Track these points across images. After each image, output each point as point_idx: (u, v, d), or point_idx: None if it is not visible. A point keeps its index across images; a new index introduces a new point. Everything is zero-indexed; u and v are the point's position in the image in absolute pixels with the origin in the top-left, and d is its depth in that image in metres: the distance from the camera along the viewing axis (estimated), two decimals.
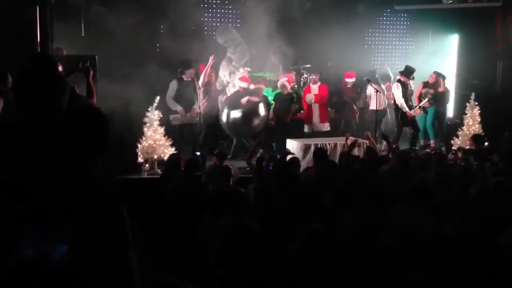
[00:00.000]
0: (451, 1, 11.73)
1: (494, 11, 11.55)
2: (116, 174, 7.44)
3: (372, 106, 10.48)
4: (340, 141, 8.73)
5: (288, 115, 9.76)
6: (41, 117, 3.33)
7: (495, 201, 4.32)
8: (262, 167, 5.96)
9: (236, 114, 9.14)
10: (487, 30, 11.70)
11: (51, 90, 3.60)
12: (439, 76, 10.42)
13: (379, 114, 10.24)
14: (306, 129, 10.11)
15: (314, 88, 10.07)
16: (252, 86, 9.76)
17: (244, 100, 9.21)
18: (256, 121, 9.26)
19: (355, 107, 10.65)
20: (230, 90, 10.06)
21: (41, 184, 2.31)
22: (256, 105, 9.28)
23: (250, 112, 9.16)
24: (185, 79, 8.98)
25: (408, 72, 9.95)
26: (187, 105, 8.94)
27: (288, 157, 6.58)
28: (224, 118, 9.24)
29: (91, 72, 5.47)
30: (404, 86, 9.89)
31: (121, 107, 8.20)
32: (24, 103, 3.66)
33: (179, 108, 8.87)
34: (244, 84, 9.43)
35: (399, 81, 9.98)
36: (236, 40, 10.68)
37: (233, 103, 9.26)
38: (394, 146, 7.74)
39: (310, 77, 10.54)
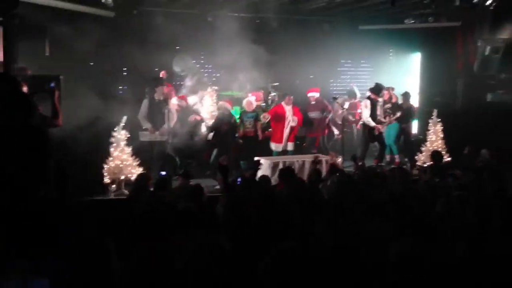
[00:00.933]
0: (413, 21, 12.12)
1: (454, 31, 11.98)
2: (81, 196, 7.31)
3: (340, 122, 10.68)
4: (308, 159, 8.82)
5: (255, 132, 9.83)
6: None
7: (458, 215, 4.42)
8: (229, 185, 5.97)
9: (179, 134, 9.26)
10: (448, 49, 12.12)
11: (17, 110, 3.53)
12: (389, 90, 10.68)
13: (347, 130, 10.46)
14: (274, 147, 10.15)
15: (289, 108, 10.11)
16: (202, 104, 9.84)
17: (191, 118, 9.37)
18: (196, 139, 9.48)
19: (323, 122, 10.77)
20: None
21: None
22: (197, 124, 9.54)
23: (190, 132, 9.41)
24: (156, 98, 9.00)
25: (377, 89, 10.19)
26: (157, 123, 8.92)
27: (259, 174, 6.61)
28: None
29: (56, 93, 5.39)
30: (373, 104, 10.11)
31: (87, 127, 8.11)
32: None
33: (148, 125, 8.86)
34: (182, 103, 9.54)
35: (368, 98, 10.19)
36: (192, 69, 10.73)
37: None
38: (360, 163, 7.88)
39: (274, 96, 10.67)
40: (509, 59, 10.85)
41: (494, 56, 10.65)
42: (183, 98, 9.81)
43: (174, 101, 9.38)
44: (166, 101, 8.99)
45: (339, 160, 9.10)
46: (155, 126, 8.92)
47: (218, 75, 11.09)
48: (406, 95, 10.85)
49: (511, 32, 10.33)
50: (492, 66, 11.06)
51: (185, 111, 9.67)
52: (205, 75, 10.90)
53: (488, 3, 8.35)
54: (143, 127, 8.93)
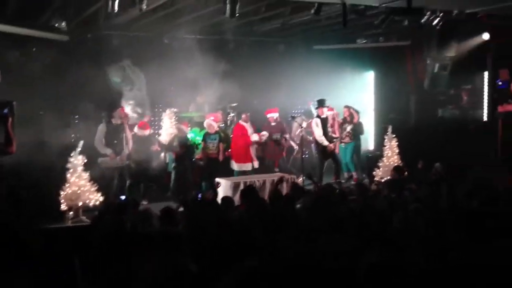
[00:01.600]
0: (365, 41, 12.51)
1: (404, 49, 12.44)
2: (37, 224, 7.07)
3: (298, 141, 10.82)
4: (268, 178, 8.89)
5: (219, 153, 9.84)
6: None
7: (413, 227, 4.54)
8: (189, 208, 5.99)
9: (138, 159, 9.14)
10: (399, 67, 12.57)
11: None
12: (350, 109, 10.95)
13: (305, 149, 10.61)
14: (235, 167, 10.18)
15: (247, 126, 10.19)
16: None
17: (154, 148, 9.40)
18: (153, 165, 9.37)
19: (282, 144, 10.88)
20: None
21: None
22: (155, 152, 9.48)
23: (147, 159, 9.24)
24: (113, 122, 8.88)
25: (319, 103, 10.42)
26: (116, 148, 8.78)
27: (220, 195, 6.61)
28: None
29: (10, 119, 5.27)
30: (323, 121, 10.32)
31: (41, 153, 7.93)
32: None
33: (108, 151, 8.70)
34: (144, 132, 9.42)
35: (317, 116, 10.40)
36: (131, 82, 10.62)
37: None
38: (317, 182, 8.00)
39: (233, 116, 10.75)
40: (457, 76, 11.36)
41: (442, 73, 11.12)
42: (144, 126, 9.66)
43: (135, 130, 9.26)
44: (122, 125, 8.88)
45: (300, 179, 9.23)
46: (114, 151, 8.78)
47: (177, 96, 11.03)
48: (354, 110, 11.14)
49: (457, 50, 10.83)
50: (441, 82, 11.55)
51: (146, 139, 9.54)
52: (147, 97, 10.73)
53: (434, 23, 8.73)
54: (102, 153, 8.76)
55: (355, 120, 10.87)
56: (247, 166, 10.08)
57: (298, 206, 6.18)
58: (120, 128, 8.88)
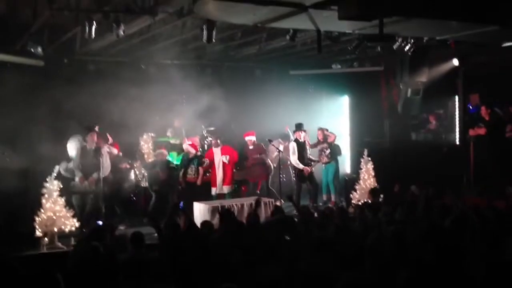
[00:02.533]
0: (340, 66, 12.77)
1: (377, 75, 12.73)
2: (11, 251, 6.92)
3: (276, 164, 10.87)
4: (246, 201, 8.91)
5: (197, 178, 9.85)
6: None
7: (391, 248, 4.60)
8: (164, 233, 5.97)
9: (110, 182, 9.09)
10: (373, 92, 12.84)
11: None
12: (324, 131, 11.07)
13: (284, 172, 10.69)
14: (213, 191, 10.16)
15: (217, 150, 10.24)
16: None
17: (122, 165, 9.41)
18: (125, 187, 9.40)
19: (266, 164, 10.92)
20: None
21: None
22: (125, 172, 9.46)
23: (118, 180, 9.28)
24: (88, 146, 8.84)
25: (296, 127, 10.60)
26: (87, 172, 8.73)
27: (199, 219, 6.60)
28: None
29: None
30: (299, 144, 10.45)
31: (15, 179, 7.82)
32: None
33: (79, 174, 8.65)
34: (113, 151, 9.48)
35: (295, 140, 10.54)
36: None
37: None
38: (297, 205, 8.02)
39: (210, 141, 10.80)
40: (429, 100, 11.65)
41: (415, 98, 11.39)
42: (114, 146, 9.69)
43: (105, 149, 9.21)
44: (98, 149, 8.84)
45: (277, 202, 9.25)
46: (86, 175, 8.72)
47: (153, 120, 11.04)
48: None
49: (428, 76, 11.13)
50: (414, 107, 11.83)
51: (116, 159, 9.52)
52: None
53: (406, 49, 9.00)
54: (75, 178, 8.70)
55: (330, 140, 10.98)
56: (221, 190, 10.07)
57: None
58: (95, 153, 8.82)
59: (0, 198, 6.95)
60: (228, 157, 10.14)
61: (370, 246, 4.25)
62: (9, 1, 7.49)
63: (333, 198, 10.85)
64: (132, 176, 9.85)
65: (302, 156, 10.47)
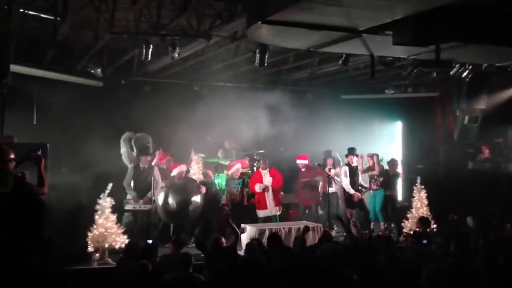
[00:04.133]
0: (393, 91, 12.55)
1: (433, 101, 12.41)
2: (64, 265, 7.12)
3: (325, 189, 10.71)
4: (294, 226, 8.79)
5: (242, 199, 9.85)
6: None
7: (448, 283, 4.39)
8: (208, 253, 5.97)
9: (172, 201, 9.02)
10: (428, 118, 12.49)
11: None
12: (373, 157, 10.80)
13: (332, 197, 10.48)
14: (260, 214, 10.10)
15: (265, 173, 10.21)
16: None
17: (201, 189, 9.25)
18: (191, 207, 9.19)
19: (318, 188, 10.78)
20: None
21: None
22: (191, 193, 9.23)
23: (185, 200, 9.10)
24: (141, 165, 9.05)
25: (349, 151, 10.47)
26: (141, 191, 8.90)
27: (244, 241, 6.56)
28: (160, 203, 9.08)
29: (43, 161, 5.41)
30: (351, 169, 10.28)
31: (71, 195, 8.07)
32: None
33: (132, 193, 8.84)
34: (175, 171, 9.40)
35: (347, 164, 10.38)
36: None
37: (170, 189, 9.15)
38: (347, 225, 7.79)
39: (258, 163, 10.79)
40: (487, 128, 11.20)
41: (472, 125, 10.98)
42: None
43: (156, 169, 9.31)
44: (151, 168, 9.04)
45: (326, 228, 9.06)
46: (139, 194, 8.90)
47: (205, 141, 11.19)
48: (392, 162, 10.96)
49: (487, 103, 10.73)
50: (471, 135, 11.38)
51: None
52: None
53: (464, 75, 8.73)
54: (127, 196, 8.88)
55: (376, 168, 10.69)
56: (261, 213, 9.98)
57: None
58: (147, 172, 9.02)
59: (55, 213, 7.17)
60: (271, 179, 10.08)
61: (426, 280, 4.07)
62: (73, 24, 7.86)
63: (381, 225, 10.52)
64: (196, 198, 9.45)
65: (353, 181, 10.30)
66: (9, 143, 6.99)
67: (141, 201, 8.91)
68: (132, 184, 9.08)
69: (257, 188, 10.02)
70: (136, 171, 9.11)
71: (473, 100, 10.76)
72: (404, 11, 5.34)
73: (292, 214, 11.16)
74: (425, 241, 6.35)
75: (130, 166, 9.26)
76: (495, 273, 4.45)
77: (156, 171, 9.11)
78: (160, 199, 9.01)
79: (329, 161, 10.75)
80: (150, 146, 9.61)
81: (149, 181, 8.93)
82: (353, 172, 10.35)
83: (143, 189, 8.99)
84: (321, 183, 10.93)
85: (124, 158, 9.57)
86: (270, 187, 10.05)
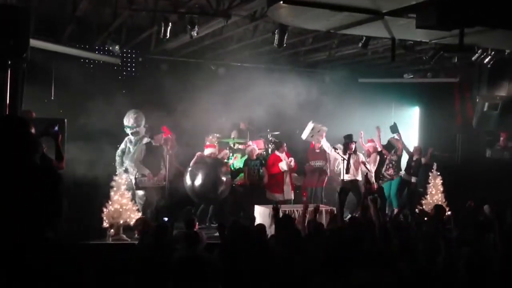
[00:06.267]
0: (412, 76, 12.37)
1: (452, 87, 12.21)
2: (79, 239, 7.23)
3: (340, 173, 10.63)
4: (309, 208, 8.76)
5: (262, 179, 9.86)
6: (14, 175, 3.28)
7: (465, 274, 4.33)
8: (224, 234, 5.97)
9: (201, 181, 9.06)
10: (446, 104, 12.32)
11: (25, 149, 3.56)
12: (391, 142, 10.69)
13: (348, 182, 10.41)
14: (278, 197, 9.97)
15: (283, 156, 10.17)
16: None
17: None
18: (222, 188, 9.23)
19: (325, 173, 10.70)
20: None
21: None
22: (220, 171, 9.27)
23: (215, 180, 9.13)
24: (153, 143, 9.05)
25: (349, 138, 10.02)
26: (154, 169, 8.92)
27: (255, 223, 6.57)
28: (189, 183, 9.17)
29: (60, 136, 5.44)
30: (382, 160, 10.33)
31: (88, 171, 8.14)
32: None
33: (146, 171, 8.84)
34: (208, 151, 9.44)
35: (379, 152, 10.31)
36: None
37: (198, 170, 9.19)
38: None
39: (273, 145, 10.74)
40: (507, 116, 10.99)
41: (492, 113, 10.78)
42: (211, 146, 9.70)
43: (207, 153, 9.34)
44: (162, 147, 9.04)
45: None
46: (152, 171, 8.91)
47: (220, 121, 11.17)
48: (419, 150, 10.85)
49: (508, 90, 10.51)
50: (490, 122, 11.16)
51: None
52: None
53: (486, 61, 8.56)
54: (140, 174, 8.88)
55: (399, 152, 10.60)
56: (278, 197, 9.91)
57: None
58: (159, 150, 9.01)
59: (72, 188, 7.25)
60: (293, 160, 10.03)
61: (441, 267, 4.03)
62: (92, 1, 7.83)
63: (395, 212, 10.43)
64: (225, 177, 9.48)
65: (379, 171, 10.31)
66: (28, 118, 7.06)
67: (155, 178, 8.93)
68: (142, 161, 8.97)
69: (284, 166, 9.95)
70: (149, 148, 9.06)
71: (493, 87, 10.52)
72: None
73: (304, 196, 11.12)
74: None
75: (141, 144, 9.18)
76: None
77: (166, 149, 9.11)
78: (188, 179, 9.06)
79: (351, 146, 10.38)
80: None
81: (159, 159, 8.95)
82: (381, 163, 10.30)
83: (155, 167, 8.97)
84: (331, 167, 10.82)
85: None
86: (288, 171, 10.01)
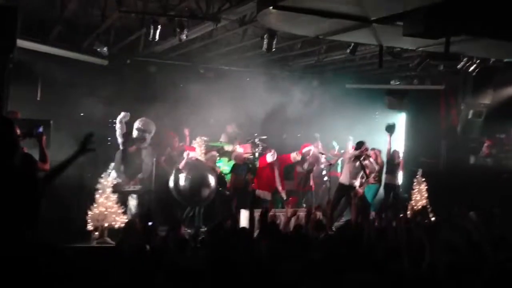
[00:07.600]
0: (399, 82, 12.49)
1: (438, 94, 12.35)
2: (63, 241, 7.15)
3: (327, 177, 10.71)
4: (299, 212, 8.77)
5: (247, 184, 9.83)
6: None
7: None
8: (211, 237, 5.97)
9: (186, 184, 9.05)
10: (432, 111, 12.45)
11: (5, 150, 3.52)
12: (375, 150, 10.72)
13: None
14: (263, 195, 9.97)
15: (269, 158, 10.16)
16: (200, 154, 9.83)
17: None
18: (207, 192, 9.21)
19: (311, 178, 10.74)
20: None
21: None
22: (205, 175, 9.24)
23: (200, 183, 9.11)
24: (129, 148, 9.02)
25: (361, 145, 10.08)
26: (131, 174, 8.90)
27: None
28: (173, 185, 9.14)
29: (44, 137, 5.41)
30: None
31: (74, 173, 8.04)
32: None
33: (122, 176, 8.82)
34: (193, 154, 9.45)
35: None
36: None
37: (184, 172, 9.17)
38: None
39: (262, 149, 10.75)
40: (491, 124, 11.17)
41: (476, 120, 10.95)
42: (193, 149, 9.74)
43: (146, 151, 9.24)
44: (139, 151, 9.02)
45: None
46: (129, 177, 8.88)
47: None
48: (394, 152, 10.92)
49: (492, 98, 10.68)
50: (474, 129, 11.35)
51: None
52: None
53: (471, 69, 8.68)
54: (118, 179, 8.76)
55: (379, 161, 10.66)
56: (266, 195, 9.92)
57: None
58: (136, 154, 8.99)
59: (57, 190, 7.18)
60: (275, 155, 9.97)
61: (425, 272, 4.07)
62: (81, 1, 7.79)
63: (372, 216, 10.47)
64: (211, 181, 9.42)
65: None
66: (13, 119, 6.98)
67: (131, 182, 8.87)
68: (122, 168, 8.97)
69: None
70: (124, 154, 9.02)
71: (478, 95, 10.72)
72: (417, 2, 5.29)
73: (291, 200, 11.13)
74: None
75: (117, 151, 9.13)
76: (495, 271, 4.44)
77: (144, 153, 9.07)
78: (172, 180, 9.05)
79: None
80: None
81: (137, 163, 8.94)
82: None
83: (133, 171, 8.94)
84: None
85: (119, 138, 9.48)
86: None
